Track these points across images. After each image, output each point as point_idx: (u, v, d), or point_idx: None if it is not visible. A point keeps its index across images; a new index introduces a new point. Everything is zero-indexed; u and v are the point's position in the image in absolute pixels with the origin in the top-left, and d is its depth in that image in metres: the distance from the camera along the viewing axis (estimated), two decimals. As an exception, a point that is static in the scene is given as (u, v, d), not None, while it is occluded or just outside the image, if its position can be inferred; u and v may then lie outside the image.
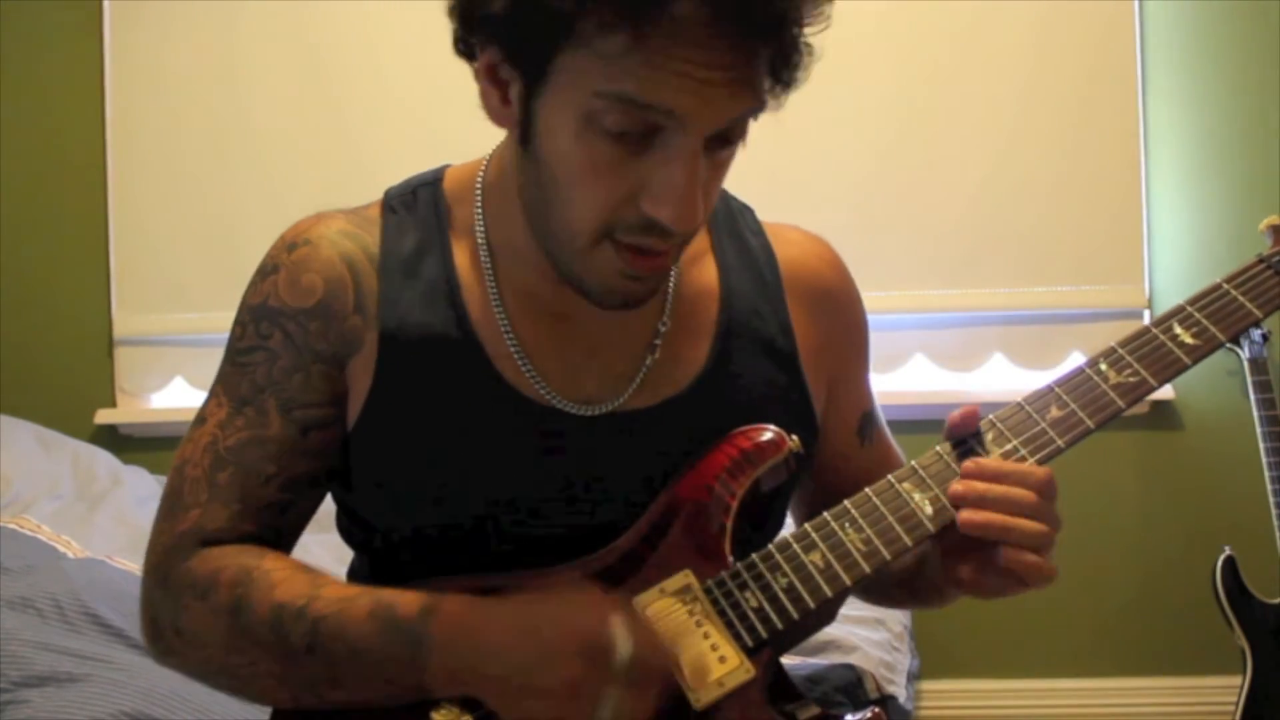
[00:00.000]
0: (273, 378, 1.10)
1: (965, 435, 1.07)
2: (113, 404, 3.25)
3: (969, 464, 1.04)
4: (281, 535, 1.11)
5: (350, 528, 1.20)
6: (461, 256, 1.13)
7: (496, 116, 1.03)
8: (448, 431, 1.08)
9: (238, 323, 1.14)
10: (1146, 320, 2.94)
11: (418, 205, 1.15)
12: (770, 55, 0.93)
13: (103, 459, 2.92)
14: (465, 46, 1.02)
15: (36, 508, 2.47)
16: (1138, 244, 3.02)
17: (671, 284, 1.15)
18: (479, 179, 1.14)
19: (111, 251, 3.22)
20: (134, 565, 2.06)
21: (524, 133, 0.99)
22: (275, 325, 1.11)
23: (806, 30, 0.94)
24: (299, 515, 1.13)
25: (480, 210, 1.13)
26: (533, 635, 0.94)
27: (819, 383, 1.20)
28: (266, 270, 1.13)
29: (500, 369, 1.09)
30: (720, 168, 1.01)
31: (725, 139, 0.98)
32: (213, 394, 1.13)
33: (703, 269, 1.18)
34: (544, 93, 0.96)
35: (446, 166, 1.19)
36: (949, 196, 3.03)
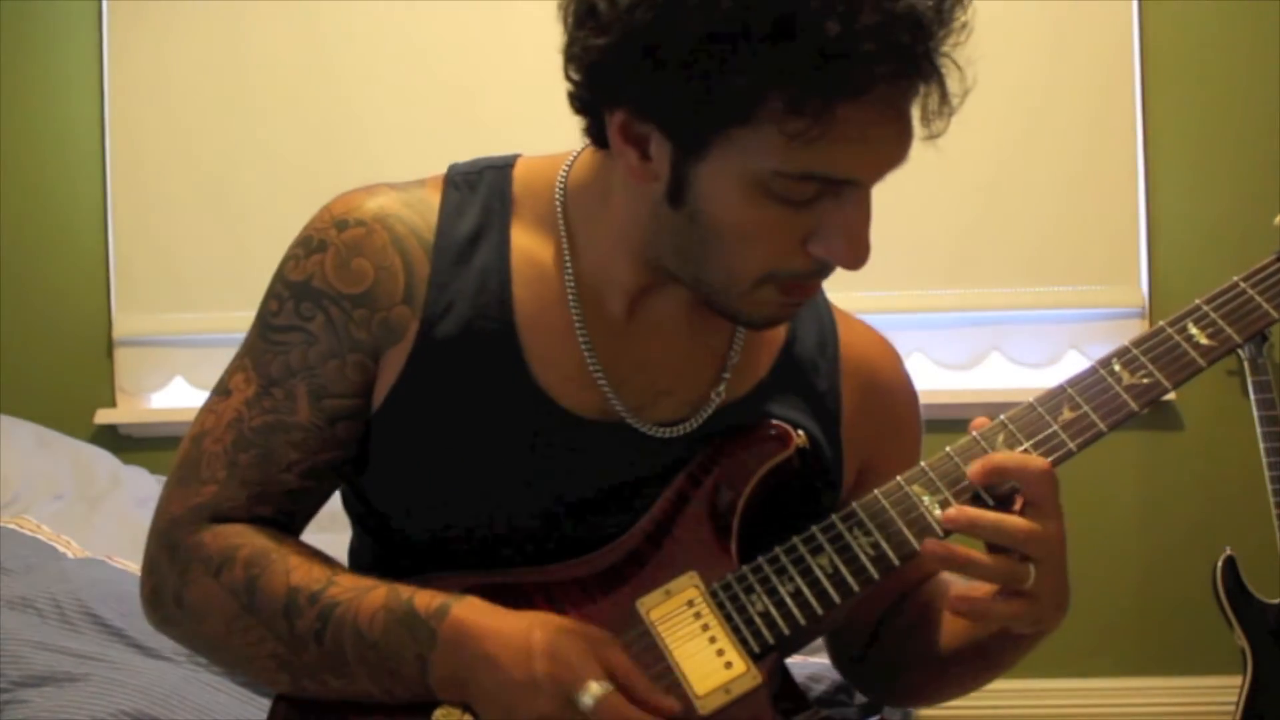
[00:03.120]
0: (308, 362, 1.06)
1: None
2: (113, 404, 3.24)
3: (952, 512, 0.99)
4: (294, 519, 1.10)
5: (357, 506, 1.17)
6: (520, 250, 1.09)
7: (634, 174, 0.99)
8: (468, 427, 1.06)
9: (273, 296, 1.09)
10: (1144, 320, 2.95)
11: (481, 186, 1.11)
12: (940, 92, 0.93)
13: (103, 459, 2.92)
14: (585, 104, 0.99)
15: (36, 508, 2.46)
16: (1134, 244, 3.02)
17: None
18: (560, 179, 1.10)
19: (111, 251, 3.22)
20: (134, 565, 2.05)
21: (673, 192, 0.96)
22: (318, 307, 1.06)
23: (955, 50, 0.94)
24: (316, 500, 1.12)
25: (562, 212, 1.09)
26: (524, 661, 0.95)
27: (851, 457, 1.17)
28: (312, 245, 1.08)
29: (537, 373, 1.06)
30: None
31: None
32: (239, 366, 1.10)
33: None
34: (704, 161, 0.93)
35: (518, 155, 1.14)
36: (947, 197, 3.02)
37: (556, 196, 1.09)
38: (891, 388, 1.22)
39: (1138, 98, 3.02)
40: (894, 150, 0.94)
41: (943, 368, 3.07)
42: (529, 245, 1.09)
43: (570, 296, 1.07)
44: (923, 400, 3.16)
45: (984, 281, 3.04)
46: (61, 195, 3.25)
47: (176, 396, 3.22)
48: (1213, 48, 3.02)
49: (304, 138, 3.15)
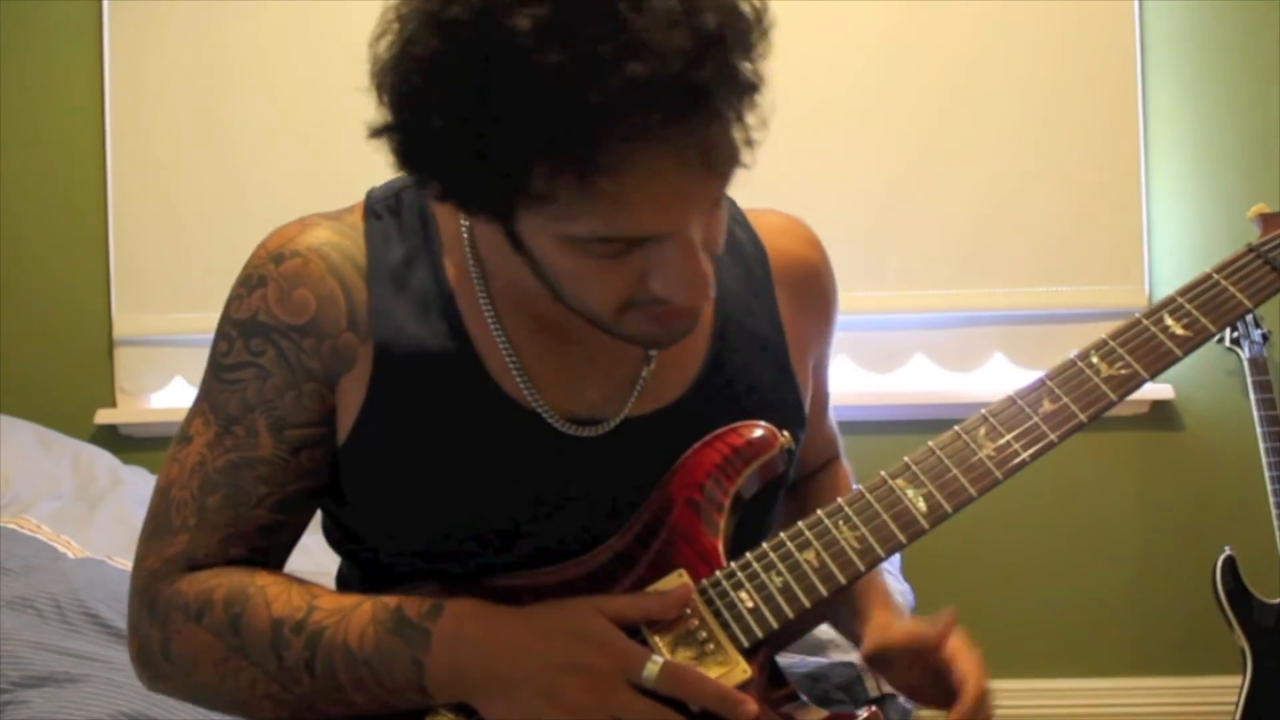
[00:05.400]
0: (264, 396, 1.07)
1: None
2: (113, 404, 3.24)
3: None
4: (271, 555, 1.10)
5: (340, 539, 1.18)
6: (452, 267, 1.09)
7: (478, 225, 1.02)
8: (446, 446, 1.06)
9: (222, 337, 1.10)
10: (1146, 320, 2.95)
11: (402, 211, 1.11)
12: (720, 125, 0.88)
13: (103, 459, 2.92)
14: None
15: (36, 508, 2.47)
16: (1138, 244, 3.02)
17: None
18: None
19: (111, 251, 3.22)
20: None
21: (512, 242, 0.96)
22: (268, 341, 1.07)
23: (746, 67, 0.89)
24: (291, 534, 1.11)
25: (468, 237, 1.09)
26: (557, 644, 0.96)
27: (804, 371, 1.20)
28: (253, 283, 1.09)
29: (499, 381, 1.07)
30: (716, 217, 0.98)
31: (715, 199, 0.96)
32: (197, 412, 1.10)
33: None
34: (517, 221, 0.93)
35: None
36: (949, 197, 3.03)
37: (462, 221, 1.09)
38: (819, 273, 1.23)
39: (1140, 98, 3.02)
40: (683, 198, 0.91)
41: (945, 368, 3.07)
42: (455, 265, 1.09)
43: (489, 316, 1.08)
44: (925, 400, 3.16)
45: (986, 282, 3.04)
46: (61, 195, 3.25)
47: (177, 396, 3.22)
48: (1214, 49, 3.02)
49: (304, 138, 3.14)
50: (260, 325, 1.08)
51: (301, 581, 1.06)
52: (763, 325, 1.16)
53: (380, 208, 1.12)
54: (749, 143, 0.91)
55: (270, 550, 1.09)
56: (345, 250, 1.09)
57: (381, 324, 1.07)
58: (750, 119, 0.90)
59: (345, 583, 1.21)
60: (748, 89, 0.89)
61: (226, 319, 1.10)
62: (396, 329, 1.07)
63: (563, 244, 0.93)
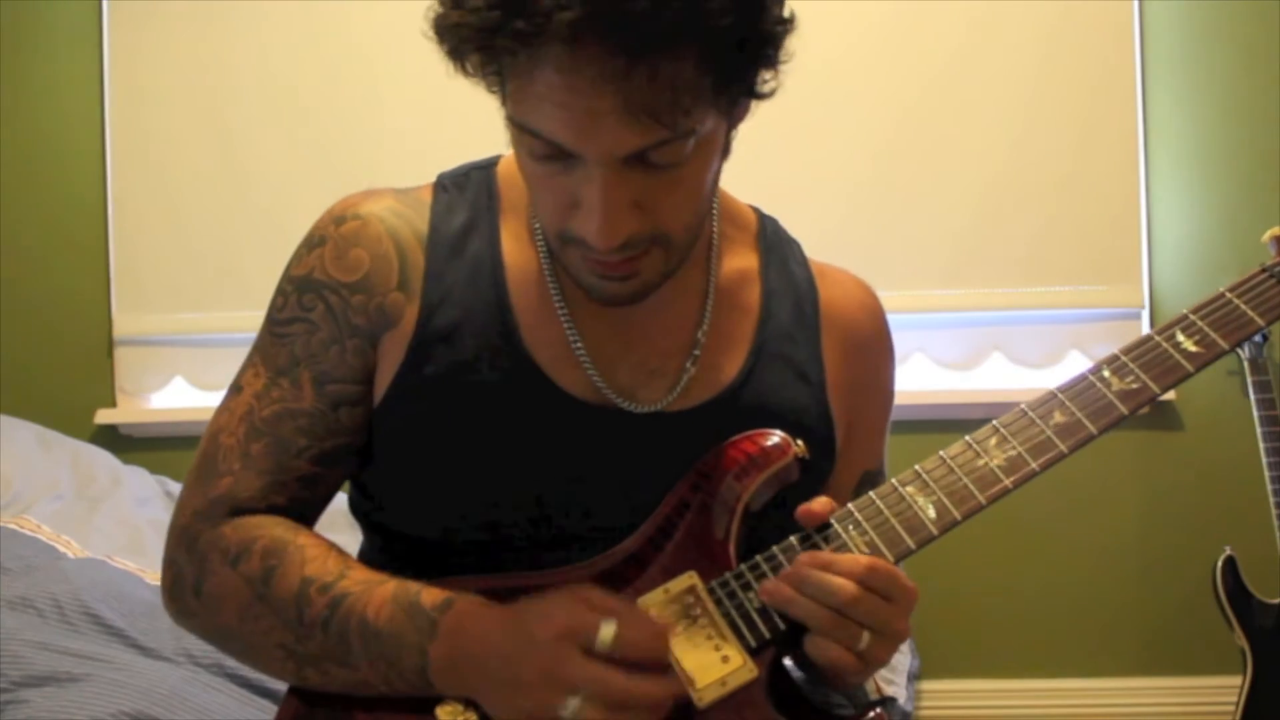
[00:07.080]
0: (310, 350, 1.11)
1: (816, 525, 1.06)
2: (113, 404, 3.24)
3: (803, 557, 1.01)
4: (309, 506, 1.13)
5: (362, 504, 1.21)
6: (509, 238, 1.14)
7: None
8: (474, 411, 1.09)
9: (280, 293, 1.15)
10: (1144, 320, 2.96)
11: (469, 186, 1.18)
12: (677, 78, 0.89)
13: (103, 459, 2.91)
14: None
15: (36, 508, 2.46)
16: (1136, 244, 3.02)
17: (711, 296, 1.17)
18: None
19: (111, 252, 3.22)
20: (134, 565, 2.06)
21: (512, 142, 1.02)
22: (319, 297, 1.12)
23: (732, 40, 0.91)
24: (328, 488, 1.14)
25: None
26: (519, 627, 0.96)
27: (840, 415, 1.21)
28: (314, 242, 1.15)
29: (534, 354, 1.10)
30: (667, 184, 0.98)
31: (653, 162, 0.96)
32: (250, 364, 1.14)
33: (747, 286, 1.19)
34: (504, 103, 0.99)
35: (500, 155, 1.20)
36: (949, 197, 3.03)
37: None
38: (869, 342, 1.25)
39: (1139, 97, 3.03)
40: (603, 125, 0.91)
41: (944, 367, 3.07)
42: (515, 236, 1.14)
43: (550, 283, 1.12)
44: (923, 400, 3.16)
45: (985, 281, 3.04)
46: (61, 195, 3.25)
47: (176, 396, 3.22)
48: (1213, 47, 3.02)
49: (304, 138, 3.15)
50: (314, 282, 1.13)
51: (342, 552, 1.08)
52: (803, 356, 1.19)
53: (448, 182, 1.19)
54: (685, 109, 0.91)
55: (309, 501, 1.13)
56: (407, 218, 1.15)
57: (432, 286, 1.12)
58: (695, 83, 0.91)
59: (366, 562, 1.21)
60: (718, 60, 0.91)
61: (285, 276, 1.16)
62: (445, 292, 1.12)
63: (517, 136, 0.98)
